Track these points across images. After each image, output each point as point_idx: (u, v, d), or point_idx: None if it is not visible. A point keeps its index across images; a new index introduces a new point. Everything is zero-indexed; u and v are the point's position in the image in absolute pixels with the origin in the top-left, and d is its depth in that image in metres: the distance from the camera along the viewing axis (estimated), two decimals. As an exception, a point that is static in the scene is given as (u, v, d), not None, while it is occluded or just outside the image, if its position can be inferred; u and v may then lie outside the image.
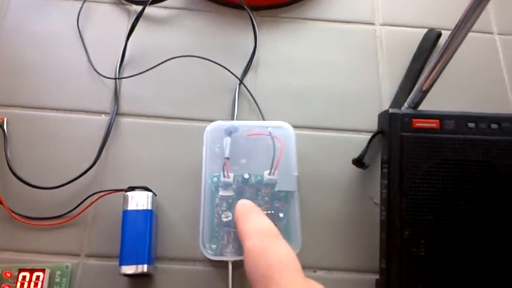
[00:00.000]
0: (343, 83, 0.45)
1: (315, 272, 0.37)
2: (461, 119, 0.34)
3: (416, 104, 0.36)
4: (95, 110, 0.42)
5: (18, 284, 0.34)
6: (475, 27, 0.48)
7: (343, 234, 0.38)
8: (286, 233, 0.36)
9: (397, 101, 0.43)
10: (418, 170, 0.34)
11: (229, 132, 0.39)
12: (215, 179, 0.37)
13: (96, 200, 0.37)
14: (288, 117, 0.40)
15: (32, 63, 0.44)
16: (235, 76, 0.44)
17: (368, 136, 0.38)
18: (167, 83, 0.44)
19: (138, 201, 0.35)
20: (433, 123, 0.34)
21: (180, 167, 0.40)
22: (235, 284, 0.34)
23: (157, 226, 0.37)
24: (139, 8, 0.47)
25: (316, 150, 0.42)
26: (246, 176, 0.38)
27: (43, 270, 0.34)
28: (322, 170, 0.41)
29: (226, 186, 0.37)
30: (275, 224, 0.32)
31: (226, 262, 0.35)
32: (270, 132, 0.39)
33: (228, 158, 0.38)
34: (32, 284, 0.34)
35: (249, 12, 0.46)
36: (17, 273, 0.34)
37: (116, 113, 0.41)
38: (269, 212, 0.37)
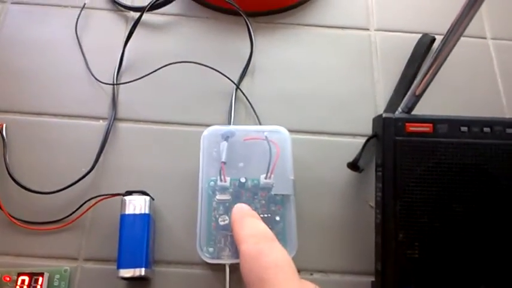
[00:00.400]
0: (339, 88, 0.46)
1: (311, 274, 0.37)
2: (454, 123, 0.35)
3: (410, 109, 0.36)
4: (93, 116, 0.42)
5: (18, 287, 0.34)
6: (468, 32, 0.49)
7: (339, 237, 0.39)
8: (282, 236, 0.36)
9: (392, 106, 0.43)
10: (411, 173, 0.34)
11: (226, 137, 0.39)
12: (212, 183, 0.38)
13: (94, 204, 0.37)
14: (284, 122, 0.40)
15: (30, 70, 0.45)
16: (232, 81, 0.44)
17: (363, 140, 0.38)
18: (164, 89, 0.44)
19: (136, 205, 0.35)
20: (426, 127, 0.35)
21: (178, 172, 0.40)
22: (233, 286, 0.35)
23: (155, 230, 0.38)
24: (136, 14, 0.47)
25: (312, 154, 0.42)
26: (243, 179, 0.38)
27: (42, 274, 0.35)
28: (318, 173, 0.41)
29: (223, 190, 0.38)
30: (271, 228, 0.32)
31: (224, 265, 0.35)
32: (266, 136, 0.39)
33: (225, 162, 0.38)
34: (31, 287, 0.34)
35: (245, 18, 0.46)
36: (16, 277, 0.35)
37: (114, 118, 0.42)
38: (265, 215, 0.37)
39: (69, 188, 0.38)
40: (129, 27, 0.45)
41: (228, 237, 0.36)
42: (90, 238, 0.37)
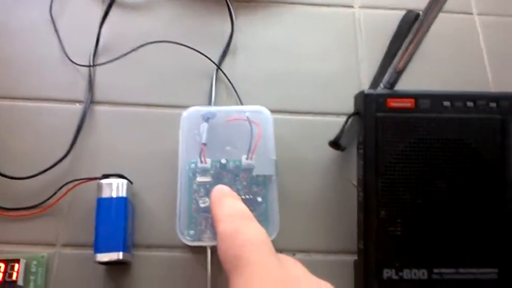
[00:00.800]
0: (322, 67, 0.45)
1: (294, 254, 0.37)
2: (436, 98, 0.34)
3: (392, 84, 0.36)
4: (69, 99, 0.41)
5: (-6, 274, 0.34)
6: (454, 8, 0.48)
7: (322, 217, 0.38)
8: (264, 217, 0.36)
9: (376, 83, 0.42)
10: (393, 150, 0.34)
11: (207, 118, 0.39)
12: (193, 165, 0.37)
13: (71, 189, 0.36)
14: (267, 102, 0.39)
15: (4, 53, 0.43)
16: (212, 61, 0.43)
17: (347, 119, 0.38)
18: (142, 70, 0.43)
19: (112, 188, 0.34)
20: (408, 103, 0.34)
21: (157, 155, 0.40)
22: (214, 269, 0.34)
23: (135, 214, 0.37)
24: (112, -6, 0.46)
25: (295, 134, 0.41)
26: (224, 161, 0.37)
27: (18, 261, 0.34)
28: (301, 153, 0.41)
29: (204, 172, 0.37)
30: (252, 210, 0.31)
31: (205, 248, 0.35)
32: (247, 117, 0.38)
33: (205, 144, 0.37)
34: (7, 274, 0.33)
35: (225, -4, 0.45)
36: (-8, 264, 0.34)
37: (91, 101, 0.41)
38: (247, 196, 0.37)
39: (46, 173, 0.37)
40: (105, 7, 0.44)
41: (209, 219, 0.35)
42: (68, 223, 0.37)
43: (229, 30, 0.45)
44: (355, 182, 0.39)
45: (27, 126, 0.40)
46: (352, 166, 0.39)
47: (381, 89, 0.36)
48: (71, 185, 0.37)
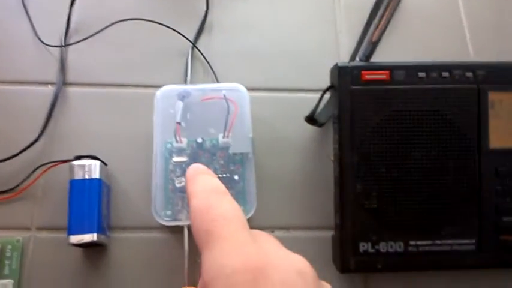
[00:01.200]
0: (300, 42, 0.44)
1: (272, 232, 0.37)
2: (411, 69, 0.34)
3: (367, 57, 0.35)
4: (41, 81, 0.40)
5: (-33, 260, 0.33)
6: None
7: (300, 194, 0.38)
8: (242, 195, 0.36)
9: (354, 58, 0.42)
10: (368, 123, 0.33)
11: (182, 97, 0.38)
12: (169, 145, 0.37)
13: (45, 171, 0.36)
14: (244, 80, 0.39)
15: (-27, 35, 0.42)
16: (188, 39, 0.42)
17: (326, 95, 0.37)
18: (116, 50, 0.42)
19: (85, 170, 0.34)
20: (383, 75, 0.33)
21: (132, 136, 0.39)
22: (192, 248, 0.34)
23: (111, 196, 0.37)
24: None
25: (273, 112, 0.41)
26: (200, 140, 0.37)
27: (-8, 246, 0.34)
28: (279, 131, 0.40)
29: (180, 151, 0.37)
30: (230, 188, 0.31)
31: (182, 227, 0.35)
32: (224, 95, 0.38)
33: (180, 123, 0.37)
34: (-19, 259, 0.33)
35: (199, -29, 0.44)
36: (-35, 249, 0.34)
37: (63, 82, 0.40)
38: (224, 175, 0.36)
39: (18, 156, 0.36)
40: (75, -15, 0.43)
41: (185, 199, 0.35)
42: (42, 206, 0.36)
43: (204, 7, 0.44)
44: (332, 157, 0.38)
45: (-2, 109, 0.39)
46: (330, 142, 0.39)
47: (356, 62, 0.36)
48: (44, 168, 0.36)
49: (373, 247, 0.32)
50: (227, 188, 0.31)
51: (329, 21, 0.45)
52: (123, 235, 0.36)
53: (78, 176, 0.34)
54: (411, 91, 0.33)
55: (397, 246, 0.33)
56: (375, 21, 0.33)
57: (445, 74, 0.34)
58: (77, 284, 0.35)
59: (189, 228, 0.34)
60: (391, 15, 0.32)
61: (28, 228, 0.36)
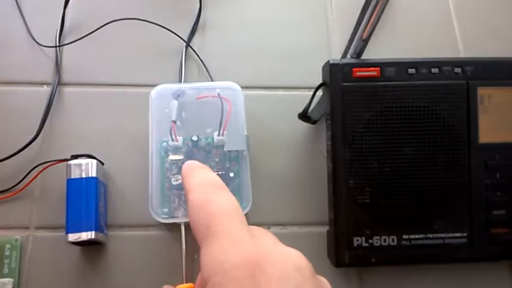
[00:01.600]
0: (292, 41, 0.44)
1: (268, 228, 0.37)
2: (401, 66, 0.34)
3: (358, 54, 0.35)
4: (37, 81, 0.41)
5: (-34, 260, 0.34)
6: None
7: (295, 190, 0.39)
8: (237, 192, 0.36)
9: (346, 54, 0.42)
10: (360, 119, 0.34)
11: (177, 96, 0.38)
12: (165, 143, 0.37)
13: (42, 171, 0.36)
14: (238, 78, 0.39)
15: (-33, 36, 0.42)
16: (182, 38, 0.42)
17: (318, 93, 0.37)
18: (110, 50, 0.42)
19: (82, 169, 0.34)
20: (374, 72, 0.34)
21: (128, 135, 0.39)
22: (189, 245, 0.34)
23: (108, 194, 0.37)
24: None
25: (267, 110, 0.41)
26: (195, 138, 0.37)
27: (-9, 245, 0.34)
28: (273, 128, 0.41)
29: (176, 150, 0.37)
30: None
31: (179, 225, 0.35)
32: (218, 93, 0.38)
33: (175, 122, 0.37)
34: (-20, 259, 0.33)
35: (192, -29, 0.44)
36: (-37, 249, 0.34)
37: (58, 82, 0.40)
38: (220, 172, 0.37)
39: (15, 156, 0.37)
40: (69, -14, 0.43)
41: (182, 196, 0.35)
42: (40, 205, 0.37)
43: (198, 6, 0.44)
44: (326, 154, 0.39)
45: (-6, 110, 0.39)
46: (323, 139, 0.40)
47: (347, 59, 0.36)
48: (41, 168, 0.36)
49: (367, 241, 0.33)
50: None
51: (321, 20, 0.46)
52: (121, 233, 0.36)
53: (75, 175, 0.34)
54: (401, 87, 0.34)
55: (391, 240, 0.33)
56: (365, 19, 0.33)
57: (435, 70, 0.34)
58: (75, 282, 0.35)
59: (186, 225, 0.35)
60: (381, 12, 0.32)
61: (26, 227, 0.36)
